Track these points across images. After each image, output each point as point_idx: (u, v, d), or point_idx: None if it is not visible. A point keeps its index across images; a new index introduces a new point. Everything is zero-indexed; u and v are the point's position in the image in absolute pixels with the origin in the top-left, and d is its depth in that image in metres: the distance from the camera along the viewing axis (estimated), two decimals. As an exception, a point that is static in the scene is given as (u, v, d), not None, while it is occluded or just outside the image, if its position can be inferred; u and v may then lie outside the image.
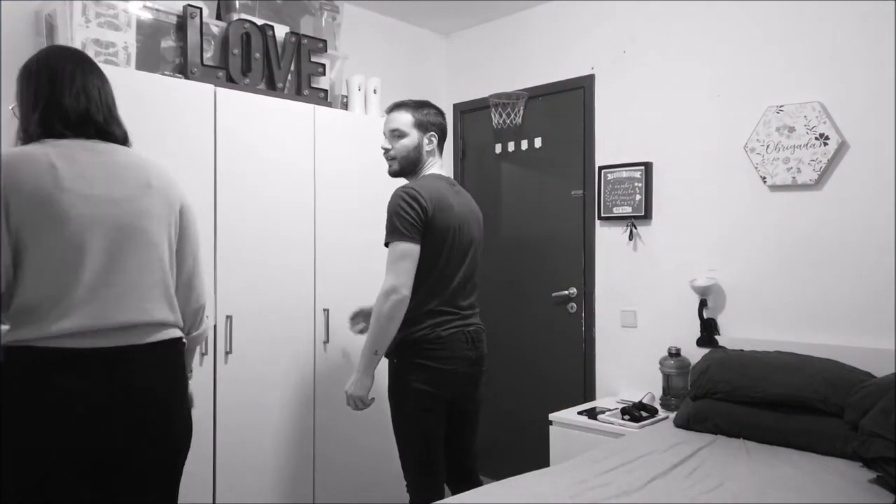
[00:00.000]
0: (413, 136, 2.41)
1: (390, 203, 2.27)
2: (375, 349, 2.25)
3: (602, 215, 3.42)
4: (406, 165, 2.43)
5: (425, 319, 2.29)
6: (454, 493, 2.47)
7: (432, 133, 2.43)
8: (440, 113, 2.49)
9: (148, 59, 2.57)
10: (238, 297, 2.69)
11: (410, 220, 2.21)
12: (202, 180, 2.58)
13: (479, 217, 2.53)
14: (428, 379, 2.29)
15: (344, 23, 3.41)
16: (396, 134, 2.41)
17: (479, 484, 2.50)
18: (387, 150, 2.45)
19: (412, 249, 2.22)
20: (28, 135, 1.63)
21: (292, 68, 2.96)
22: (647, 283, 3.29)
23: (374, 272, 2.99)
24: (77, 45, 2.36)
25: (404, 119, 2.42)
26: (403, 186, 2.30)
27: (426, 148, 2.42)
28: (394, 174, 2.47)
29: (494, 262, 3.91)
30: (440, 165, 2.49)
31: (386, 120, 2.46)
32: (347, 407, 2.35)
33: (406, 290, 2.20)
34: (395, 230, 2.23)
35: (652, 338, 3.25)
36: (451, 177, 2.55)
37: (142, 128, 2.39)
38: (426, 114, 2.44)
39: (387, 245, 2.28)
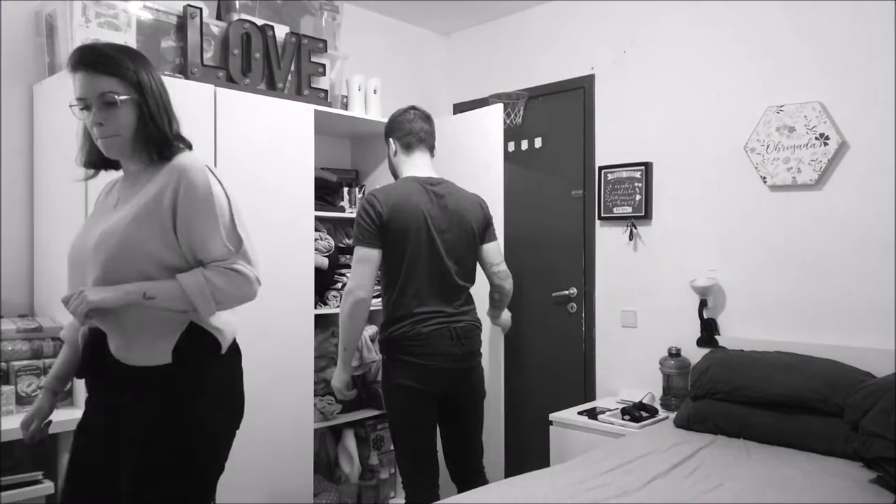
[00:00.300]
0: (387, 151, 2.62)
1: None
2: (344, 346, 2.40)
3: (602, 215, 3.42)
4: (393, 175, 2.61)
5: (405, 319, 2.36)
6: (461, 492, 2.47)
7: (391, 138, 2.58)
8: (399, 113, 2.58)
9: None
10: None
11: (365, 225, 2.34)
12: (202, 180, 2.57)
13: (472, 215, 2.51)
14: (412, 375, 2.34)
15: (344, 23, 3.41)
16: None
17: (485, 482, 2.52)
18: None
19: (368, 253, 2.34)
20: (174, 138, 1.67)
21: (292, 68, 2.96)
22: (648, 283, 3.29)
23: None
24: (76, 45, 2.35)
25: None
26: (369, 192, 2.42)
27: (391, 155, 2.59)
28: None
29: (494, 262, 3.90)
30: (424, 165, 2.53)
31: None
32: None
33: (362, 292, 2.31)
34: (355, 236, 2.38)
35: (652, 338, 3.25)
36: (437, 175, 2.54)
37: (142, 128, 2.39)
38: (388, 125, 2.61)
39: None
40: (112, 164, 1.73)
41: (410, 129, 2.53)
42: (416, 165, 2.52)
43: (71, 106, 1.62)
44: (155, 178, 1.61)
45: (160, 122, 1.62)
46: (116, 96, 1.56)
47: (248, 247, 1.66)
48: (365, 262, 2.33)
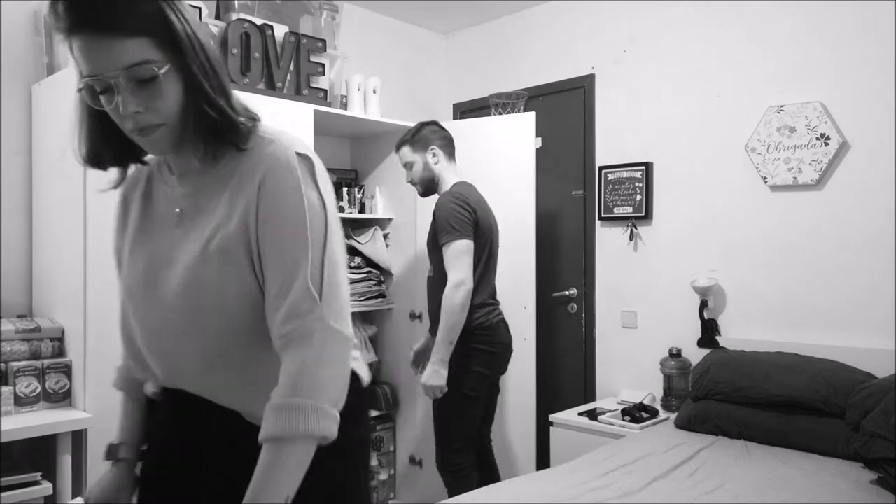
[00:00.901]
0: (418, 161, 2.69)
1: (441, 209, 2.52)
2: (450, 339, 2.45)
3: (602, 215, 3.41)
4: (427, 185, 2.72)
5: (478, 309, 2.53)
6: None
7: (433, 147, 2.68)
8: (437, 127, 2.74)
9: (147, 59, 2.56)
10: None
11: (464, 219, 2.48)
12: (201, 180, 2.57)
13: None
14: (485, 362, 2.55)
15: (343, 22, 3.40)
16: (407, 167, 2.73)
17: (494, 462, 2.80)
18: (410, 181, 2.76)
19: (469, 245, 2.48)
20: (236, 112, 1.08)
21: (291, 68, 2.95)
22: (648, 284, 3.28)
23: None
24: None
25: (405, 152, 2.71)
26: (450, 192, 2.54)
27: (432, 162, 2.68)
28: (423, 195, 2.78)
29: (494, 263, 3.92)
30: (458, 173, 2.72)
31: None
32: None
33: (471, 282, 2.45)
34: (453, 230, 2.48)
35: (653, 338, 3.25)
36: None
37: (141, 128, 2.38)
38: (422, 135, 2.70)
39: (443, 245, 2.48)
40: (135, 156, 1.16)
41: (450, 139, 2.71)
42: (458, 173, 2.71)
43: (79, 90, 1.03)
44: (229, 181, 1.09)
45: (213, 95, 1.05)
46: (156, 68, 0.99)
47: (338, 288, 1.06)
48: (466, 253, 2.47)
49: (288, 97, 2.91)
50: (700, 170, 3.11)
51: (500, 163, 3.28)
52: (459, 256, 2.45)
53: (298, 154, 1.07)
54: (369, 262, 3.37)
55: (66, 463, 2.18)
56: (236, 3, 2.89)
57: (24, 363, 2.24)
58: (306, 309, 1.01)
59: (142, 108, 1.01)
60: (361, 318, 3.43)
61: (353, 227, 3.40)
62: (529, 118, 3.26)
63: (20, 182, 2.60)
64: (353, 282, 3.17)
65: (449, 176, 2.68)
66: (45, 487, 2.15)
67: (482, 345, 2.54)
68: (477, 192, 2.65)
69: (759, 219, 2.93)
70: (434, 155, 2.67)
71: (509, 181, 3.23)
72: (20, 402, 2.21)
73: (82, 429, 2.21)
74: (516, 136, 3.27)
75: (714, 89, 3.07)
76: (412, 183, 2.75)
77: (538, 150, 3.75)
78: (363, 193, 3.41)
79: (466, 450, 2.57)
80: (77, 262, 2.24)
